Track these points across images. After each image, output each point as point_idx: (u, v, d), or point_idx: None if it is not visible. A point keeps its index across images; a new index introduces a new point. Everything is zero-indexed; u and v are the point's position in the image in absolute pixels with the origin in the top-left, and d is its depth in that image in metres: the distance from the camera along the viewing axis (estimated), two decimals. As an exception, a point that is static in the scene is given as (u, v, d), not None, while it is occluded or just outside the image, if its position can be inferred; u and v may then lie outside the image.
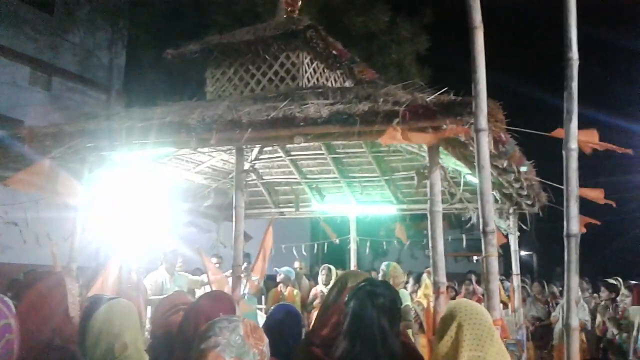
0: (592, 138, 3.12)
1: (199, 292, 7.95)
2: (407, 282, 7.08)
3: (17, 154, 5.25)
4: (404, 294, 6.11)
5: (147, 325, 4.84)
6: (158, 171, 7.12)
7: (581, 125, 2.83)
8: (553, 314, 9.29)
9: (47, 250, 6.15)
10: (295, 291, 7.93)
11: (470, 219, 7.27)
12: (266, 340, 1.70)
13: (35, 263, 9.87)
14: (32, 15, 13.06)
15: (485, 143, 2.85)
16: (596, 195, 3.61)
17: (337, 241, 9.47)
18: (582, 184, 3.12)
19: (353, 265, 8.67)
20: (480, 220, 2.86)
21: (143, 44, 13.97)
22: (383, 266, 6.42)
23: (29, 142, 5.04)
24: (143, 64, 14.12)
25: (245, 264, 7.37)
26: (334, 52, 6.55)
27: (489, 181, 2.85)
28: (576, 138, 2.73)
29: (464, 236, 9.01)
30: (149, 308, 5.58)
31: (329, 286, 7.56)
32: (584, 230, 4.31)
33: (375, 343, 2.14)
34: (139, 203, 6.83)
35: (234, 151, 6.95)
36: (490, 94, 3.34)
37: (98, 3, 13.69)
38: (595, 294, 10.12)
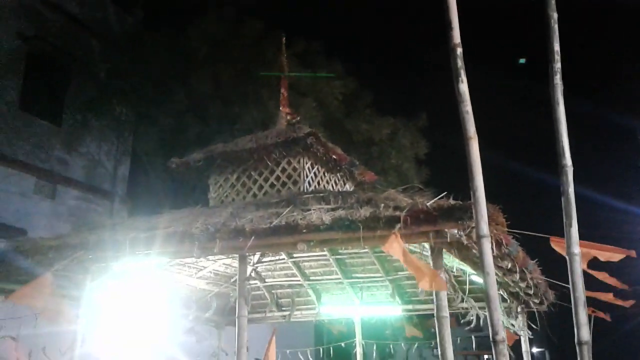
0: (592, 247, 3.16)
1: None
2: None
3: (20, 267, 5.24)
4: None
5: None
6: (160, 278, 7.06)
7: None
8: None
9: (46, 364, 5.98)
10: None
11: (478, 318, 7.10)
12: None
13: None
14: (39, 127, 13.59)
15: (489, 250, 2.87)
16: (608, 298, 3.58)
17: (343, 344, 9.20)
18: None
19: (360, 371, 8.35)
20: (490, 328, 2.81)
21: (148, 153, 14.41)
22: None
23: (32, 255, 5.05)
24: (147, 172, 14.48)
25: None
26: (333, 156, 6.73)
27: (495, 288, 2.83)
28: (577, 243, 2.75)
29: (473, 337, 8.76)
30: None
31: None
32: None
33: None
34: (140, 312, 6.72)
35: (236, 255, 6.99)
36: (492, 192, 3.39)
37: (105, 116, 14.28)
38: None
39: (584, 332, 2.62)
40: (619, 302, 3.59)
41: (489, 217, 3.30)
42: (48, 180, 13.38)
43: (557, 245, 3.28)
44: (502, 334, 2.78)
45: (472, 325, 7.23)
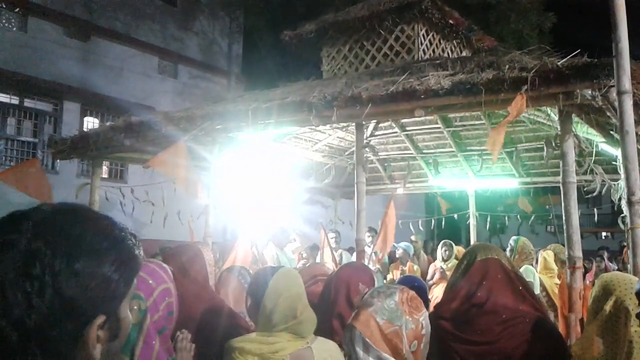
0: None
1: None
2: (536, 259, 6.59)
3: (153, 137, 5.68)
4: (530, 270, 5.79)
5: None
6: (279, 150, 7.39)
7: None
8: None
9: (181, 228, 6.65)
10: (415, 266, 7.88)
11: (600, 193, 6.78)
12: (425, 312, 1.70)
13: (171, 239, 10.75)
14: (157, 7, 14.08)
15: (630, 106, 2.65)
16: None
17: (456, 216, 9.30)
18: None
19: (472, 241, 8.45)
20: (625, 189, 2.67)
21: (258, 30, 14.52)
22: (511, 241, 6.12)
23: (165, 126, 5.43)
24: (259, 48, 14.71)
25: (370, 238, 7.44)
26: (450, 21, 6.37)
27: (634, 147, 2.64)
28: None
29: (595, 210, 8.42)
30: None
31: (448, 262, 7.44)
32: None
33: None
34: (263, 182, 7.16)
35: (350, 128, 7.08)
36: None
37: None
38: None
39: None
40: None
41: (630, 73, 3.02)
42: (169, 60, 14.11)
43: None
44: (638, 195, 2.63)
45: (591, 200, 6.89)
